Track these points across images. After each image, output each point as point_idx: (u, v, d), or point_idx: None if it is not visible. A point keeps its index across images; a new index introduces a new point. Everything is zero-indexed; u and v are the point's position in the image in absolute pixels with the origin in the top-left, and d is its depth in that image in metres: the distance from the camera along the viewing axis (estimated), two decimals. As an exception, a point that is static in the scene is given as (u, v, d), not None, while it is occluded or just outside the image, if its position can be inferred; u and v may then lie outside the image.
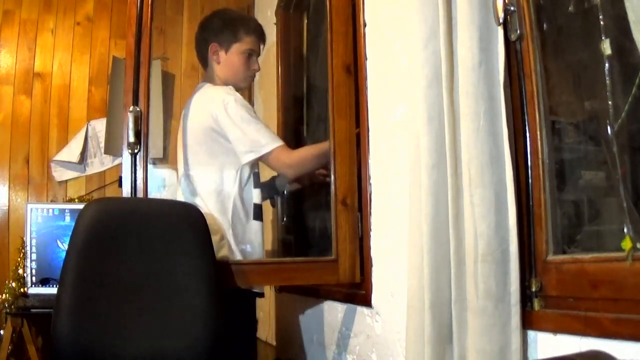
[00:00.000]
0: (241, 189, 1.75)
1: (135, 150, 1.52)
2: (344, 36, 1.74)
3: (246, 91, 2.36)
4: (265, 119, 2.55)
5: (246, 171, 1.77)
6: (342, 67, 1.73)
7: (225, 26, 1.90)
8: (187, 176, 1.80)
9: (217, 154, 1.75)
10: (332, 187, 1.69)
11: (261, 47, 1.97)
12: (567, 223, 1.09)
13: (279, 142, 1.75)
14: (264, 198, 1.88)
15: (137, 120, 1.52)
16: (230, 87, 1.82)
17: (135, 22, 1.56)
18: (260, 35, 1.95)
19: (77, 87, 3.09)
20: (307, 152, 1.88)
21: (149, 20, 1.58)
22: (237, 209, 1.74)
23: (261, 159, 1.76)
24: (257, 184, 1.82)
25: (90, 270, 1.32)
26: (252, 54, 1.91)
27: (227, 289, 1.53)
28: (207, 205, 1.72)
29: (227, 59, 1.88)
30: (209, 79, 1.90)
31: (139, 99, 1.54)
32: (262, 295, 1.83)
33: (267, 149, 1.73)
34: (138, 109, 1.53)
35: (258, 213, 1.80)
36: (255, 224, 1.78)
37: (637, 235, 0.87)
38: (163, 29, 3.20)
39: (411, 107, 1.18)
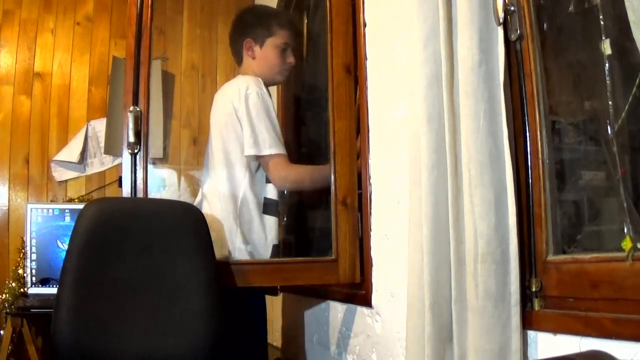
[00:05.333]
0: (252, 181, 1.75)
1: (135, 150, 1.52)
2: (344, 36, 1.74)
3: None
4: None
5: (254, 165, 1.77)
6: (342, 67, 1.73)
7: (258, 21, 1.90)
8: (208, 162, 1.81)
9: (232, 139, 1.75)
10: (332, 187, 1.68)
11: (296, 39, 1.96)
12: (567, 223, 1.09)
13: (281, 151, 1.74)
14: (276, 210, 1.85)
15: (137, 120, 1.53)
16: (259, 78, 1.81)
17: (135, 22, 1.56)
18: (294, 28, 1.95)
19: (77, 87, 3.09)
20: (305, 172, 1.84)
21: (149, 20, 1.58)
22: (247, 201, 1.74)
23: (259, 159, 1.75)
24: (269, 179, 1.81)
25: (90, 270, 1.32)
26: (286, 48, 1.90)
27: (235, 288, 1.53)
28: (218, 194, 1.72)
29: (261, 54, 1.88)
30: (244, 74, 1.89)
31: (139, 99, 1.54)
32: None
33: (268, 152, 1.72)
34: (138, 109, 1.53)
35: (270, 207, 1.78)
36: (266, 219, 1.77)
37: (637, 235, 0.87)
38: (163, 29, 3.20)
39: (411, 107, 1.18)
